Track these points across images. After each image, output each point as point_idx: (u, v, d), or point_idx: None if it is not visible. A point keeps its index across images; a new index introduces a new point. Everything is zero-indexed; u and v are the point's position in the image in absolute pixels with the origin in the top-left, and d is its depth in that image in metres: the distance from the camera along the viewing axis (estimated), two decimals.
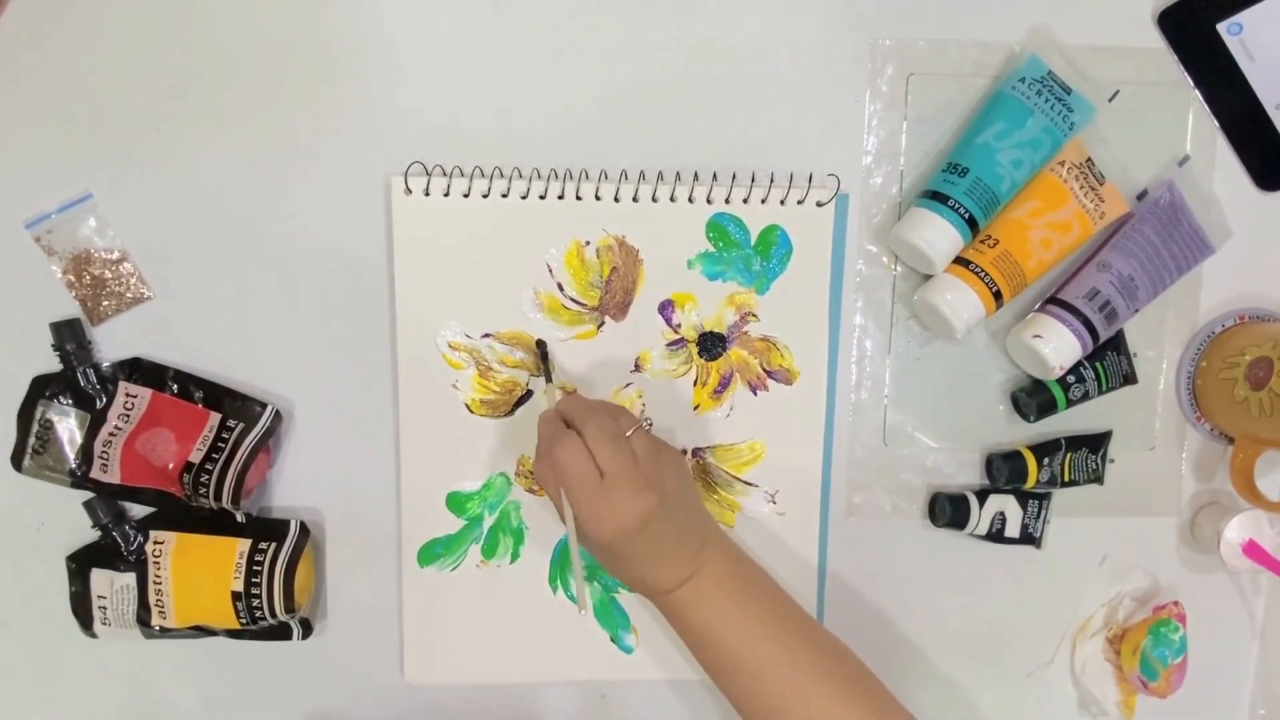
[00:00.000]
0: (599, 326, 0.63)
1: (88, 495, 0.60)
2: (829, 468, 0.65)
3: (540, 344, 0.62)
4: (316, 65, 0.60)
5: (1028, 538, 0.66)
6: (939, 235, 0.60)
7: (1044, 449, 0.65)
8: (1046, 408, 0.64)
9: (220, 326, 0.61)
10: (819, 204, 0.63)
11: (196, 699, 0.64)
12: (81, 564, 0.60)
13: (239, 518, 0.60)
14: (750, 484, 0.65)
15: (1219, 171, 0.66)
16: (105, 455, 0.58)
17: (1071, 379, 0.64)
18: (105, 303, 0.60)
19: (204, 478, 0.58)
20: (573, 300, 0.62)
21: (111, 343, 0.61)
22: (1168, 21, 0.64)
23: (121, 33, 0.59)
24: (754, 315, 0.63)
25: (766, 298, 0.63)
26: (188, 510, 0.60)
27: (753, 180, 0.62)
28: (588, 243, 0.62)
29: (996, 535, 0.66)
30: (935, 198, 0.60)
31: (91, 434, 0.58)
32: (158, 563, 0.59)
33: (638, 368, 0.63)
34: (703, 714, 0.67)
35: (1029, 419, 0.65)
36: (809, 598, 0.66)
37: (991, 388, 0.66)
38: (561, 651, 0.65)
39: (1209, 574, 0.70)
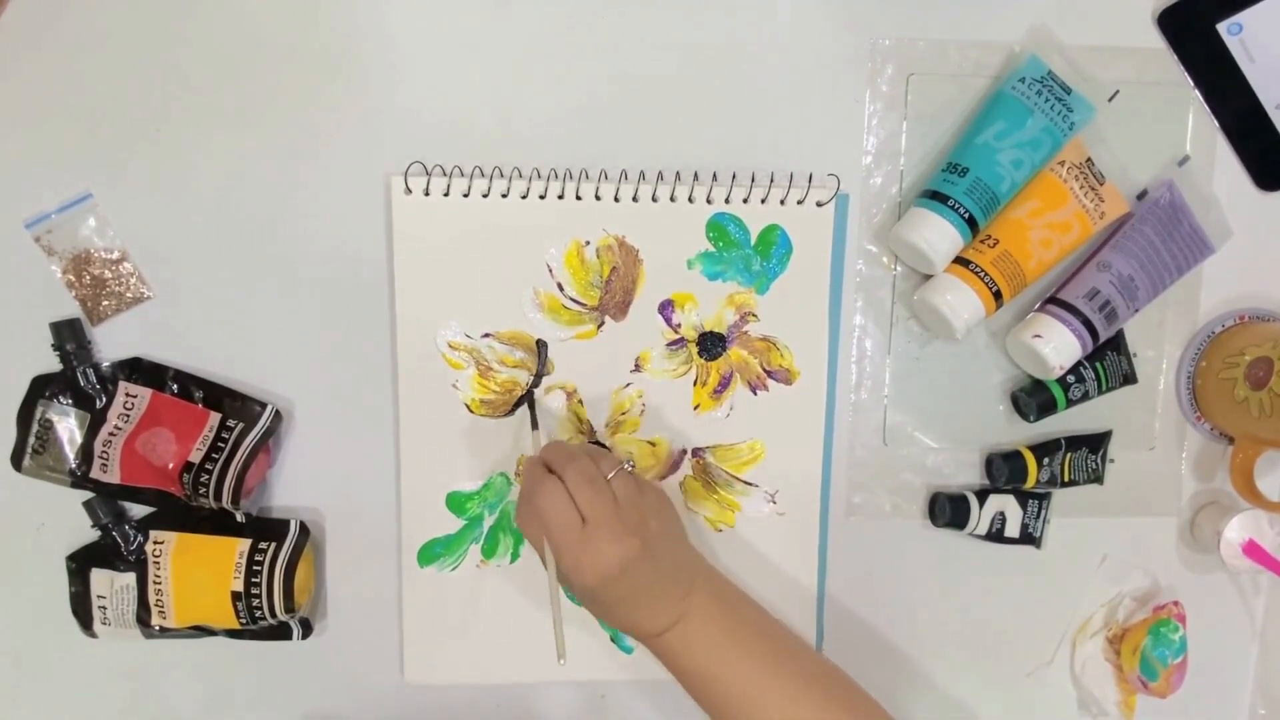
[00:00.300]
0: (599, 326, 0.63)
1: (88, 495, 0.60)
2: (829, 468, 0.65)
3: (528, 393, 0.62)
4: (316, 66, 0.60)
5: (1028, 538, 0.66)
6: (939, 235, 0.60)
7: (1044, 449, 0.65)
8: (1046, 408, 0.64)
9: (220, 326, 0.61)
10: (819, 204, 0.63)
11: (196, 699, 0.64)
12: (81, 564, 0.60)
13: (239, 518, 0.60)
14: (750, 484, 0.65)
15: (1219, 171, 0.66)
16: (105, 455, 0.58)
17: (1071, 379, 0.64)
18: (105, 303, 0.60)
19: (204, 477, 0.58)
20: (573, 300, 0.62)
21: (111, 343, 0.61)
22: (1168, 21, 0.64)
23: (121, 33, 0.59)
24: (754, 315, 0.63)
25: (766, 298, 0.63)
26: (188, 510, 0.60)
27: (753, 180, 0.62)
28: (588, 243, 0.62)
29: (996, 535, 0.66)
30: (935, 198, 0.61)
31: (91, 434, 0.58)
32: (158, 563, 0.59)
33: (638, 368, 0.63)
34: (703, 714, 0.67)
35: (1029, 419, 0.65)
36: (808, 598, 0.66)
37: (991, 388, 0.66)
38: None
39: (1209, 574, 0.70)
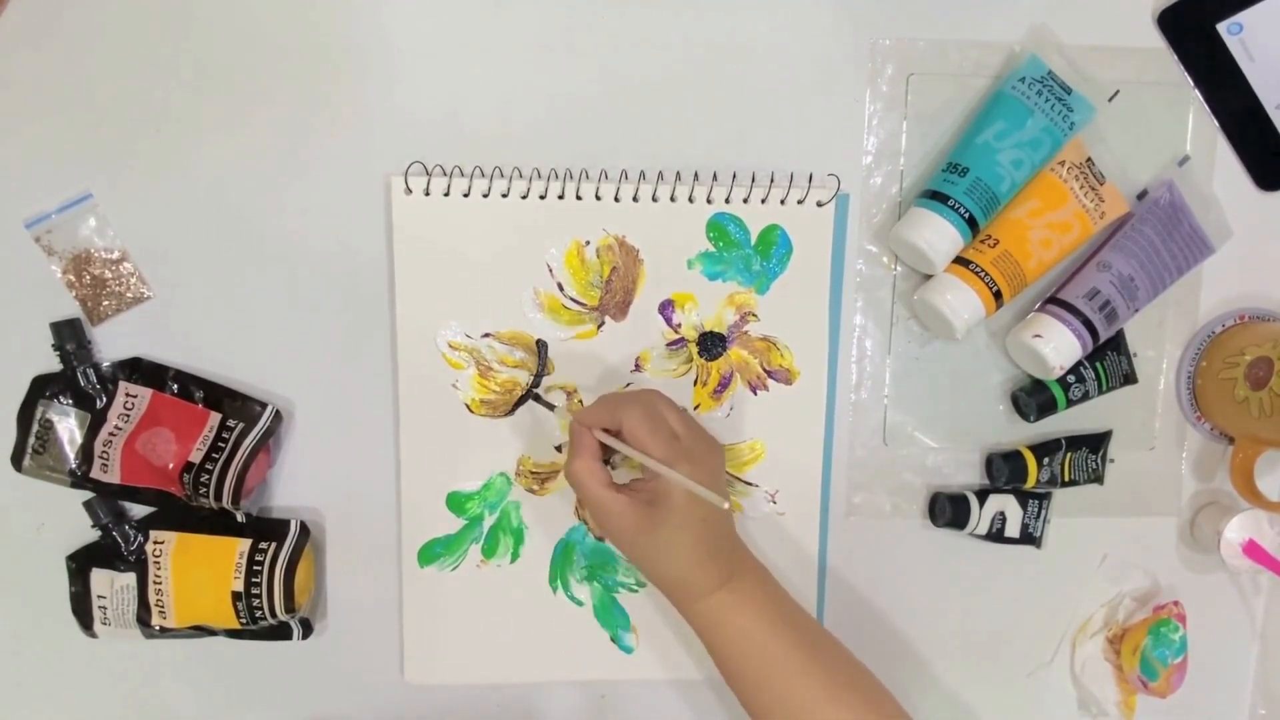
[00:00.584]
0: (599, 326, 0.63)
1: (88, 495, 0.60)
2: (829, 468, 0.65)
3: (529, 392, 0.62)
4: (316, 65, 0.60)
5: (1028, 538, 0.66)
6: (939, 235, 0.60)
7: (1044, 449, 0.65)
8: (1046, 407, 0.64)
9: (220, 326, 0.61)
10: (819, 204, 0.63)
11: (196, 699, 0.64)
12: (81, 564, 0.60)
13: (239, 518, 0.60)
14: (750, 484, 0.65)
15: (1219, 171, 0.66)
16: (105, 455, 0.58)
17: (1071, 379, 0.64)
18: (105, 303, 0.60)
19: (204, 477, 0.58)
20: (573, 300, 0.62)
21: (111, 343, 0.61)
22: (1168, 21, 0.64)
23: (121, 33, 0.59)
24: (754, 315, 0.64)
25: (766, 297, 0.63)
26: (188, 510, 0.60)
27: (753, 180, 0.62)
28: (588, 242, 0.62)
29: (996, 535, 0.66)
30: (935, 197, 0.61)
31: (91, 434, 0.58)
32: (158, 563, 0.59)
33: (638, 367, 0.63)
34: (703, 714, 0.67)
35: (1029, 419, 0.65)
36: (809, 598, 0.66)
37: (991, 388, 0.66)
38: (561, 651, 0.65)
39: (1209, 574, 0.70)
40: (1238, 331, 0.66)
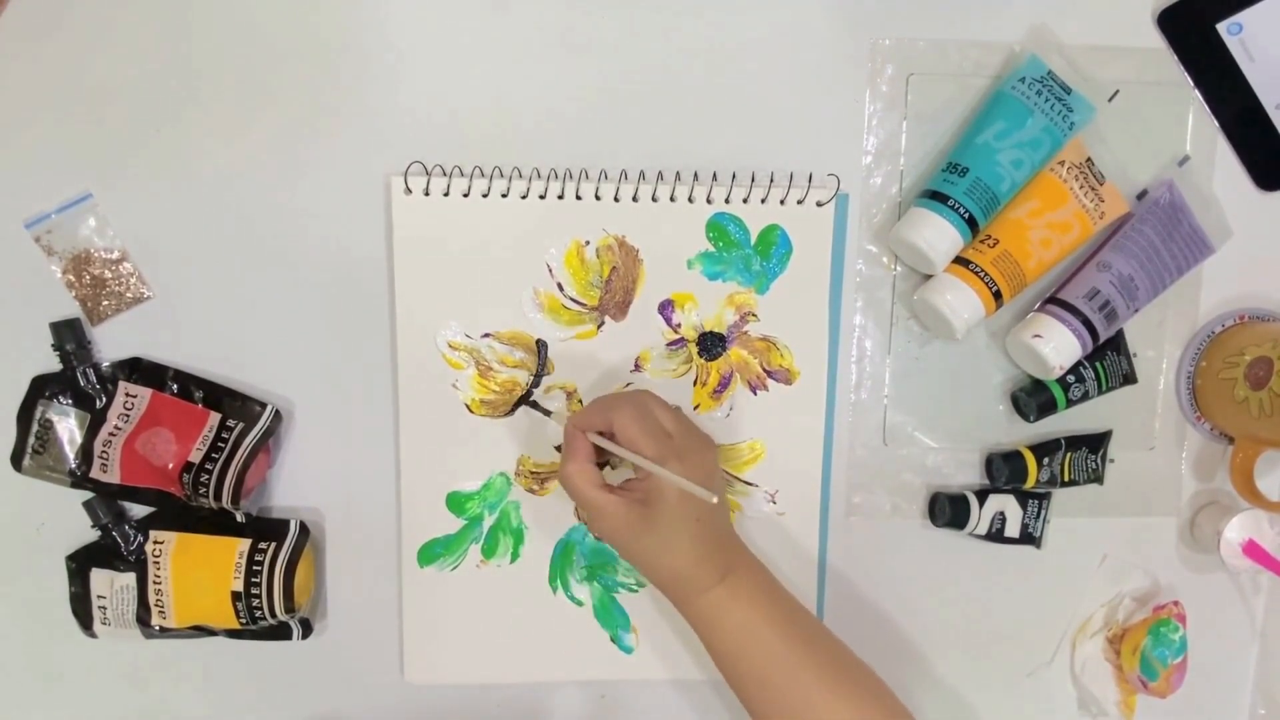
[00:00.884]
0: (599, 326, 0.63)
1: (88, 495, 0.60)
2: (829, 468, 0.65)
3: (528, 393, 0.62)
4: (316, 65, 0.60)
5: (1028, 538, 0.66)
6: (939, 235, 0.60)
7: (1044, 449, 0.65)
8: (1046, 408, 0.64)
9: (220, 326, 0.61)
10: (819, 204, 0.63)
11: (196, 699, 0.64)
12: (81, 564, 0.60)
13: (239, 518, 0.60)
14: (750, 484, 0.65)
15: (1219, 171, 0.66)
16: (105, 455, 0.58)
17: (1071, 379, 0.64)
18: (105, 303, 0.60)
19: (204, 477, 0.58)
20: (573, 300, 0.62)
21: (111, 343, 0.61)
22: (1168, 21, 0.64)
23: (121, 33, 0.59)
24: (754, 315, 0.64)
25: (766, 297, 0.63)
26: (188, 510, 0.60)
27: (753, 180, 0.62)
28: (588, 242, 0.62)
29: (996, 535, 0.66)
30: (935, 197, 0.61)
31: (91, 434, 0.58)
32: (157, 563, 0.59)
33: (638, 367, 0.63)
34: (703, 714, 0.67)
35: (1029, 419, 0.65)
36: (809, 597, 0.66)
37: (991, 388, 0.66)
38: (561, 651, 0.65)
39: (1209, 574, 0.70)
40: (1238, 331, 0.66)
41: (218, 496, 0.58)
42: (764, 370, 0.64)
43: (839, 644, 0.58)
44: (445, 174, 0.60)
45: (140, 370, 0.60)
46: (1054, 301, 0.63)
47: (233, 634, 0.61)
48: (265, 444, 0.60)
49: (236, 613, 0.59)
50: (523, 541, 0.64)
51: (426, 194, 0.60)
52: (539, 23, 0.61)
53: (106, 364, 0.59)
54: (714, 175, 0.62)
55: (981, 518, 0.65)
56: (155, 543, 0.59)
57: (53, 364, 0.59)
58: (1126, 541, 0.69)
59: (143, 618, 0.59)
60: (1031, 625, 0.69)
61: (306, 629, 0.62)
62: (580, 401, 0.63)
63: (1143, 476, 0.68)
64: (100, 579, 0.59)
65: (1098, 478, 0.67)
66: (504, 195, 0.61)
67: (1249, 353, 0.64)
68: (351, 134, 0.60)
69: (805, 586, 0.65)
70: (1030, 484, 0.65)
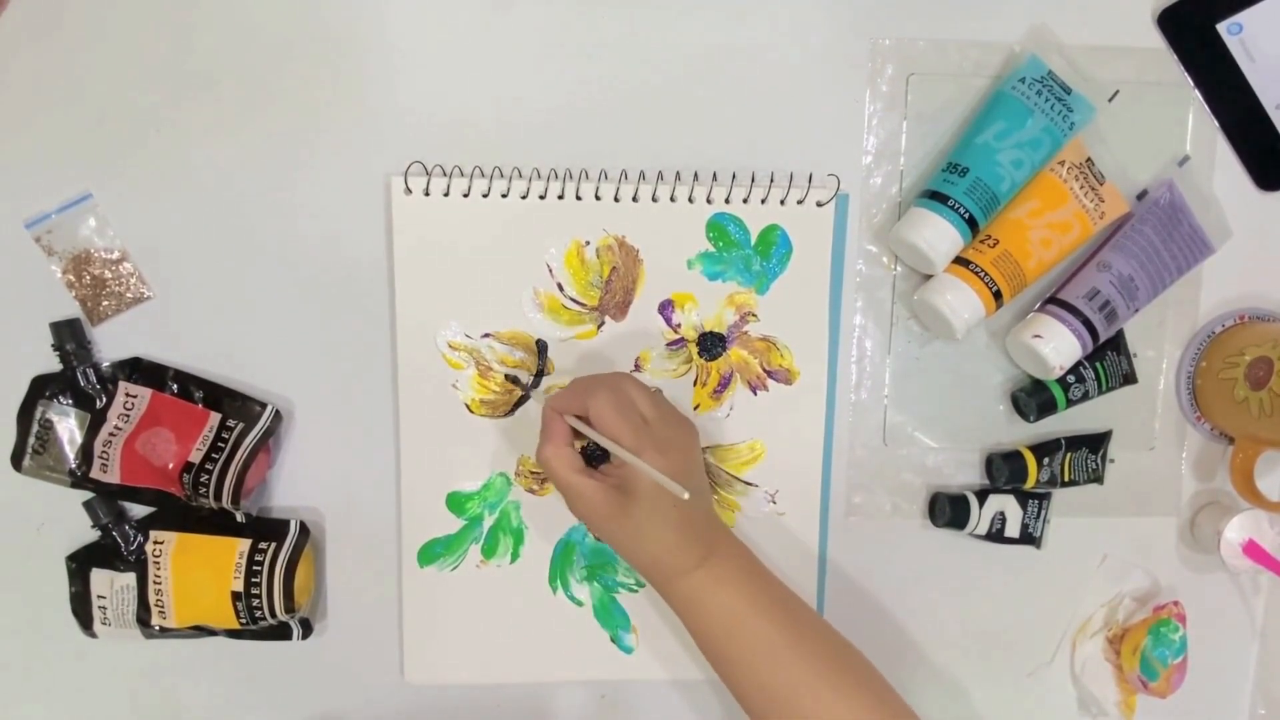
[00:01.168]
0: (599, 326, 0.63)
1: (88, 495, 0.60)
2: (829, 468, 0.65)
3: (525, 396, 0.62)
4: (316, 65, 0.60)
5: (1028, 538, 0.66)
6: (939, 235, 0.60)
7: (1044, 449, 0.65)
8: (1046, 408, 0.64)
9: (220, 326, 0.61)
10: (819, 204, 0.63)
11: (196, 699, 0.64)
12: (81, 564, 0.60)
13: (239, 518, 0.60)
14: (750, 484, 0.65)
15: (1219, 171, 0.66)
16: (105, 455, 0.58)
17: (1071, 379, 0.64)
18: (105, 303, 0.60)
19: (204, 477, 0.58)
20: (573, 300, 0.62)
21: (111, 343, 0.61)
22: (1168, 21, 0.64)
23: (121, 33, 0.59)
24: (754, 315, 0.64)
25: (766, 298, 0.63)
26: (188, 510, 0.60)
27: (753, 180, 0.62)
28: (588, 243, 0.62)
29: (996, 535, 0.66)
30: (935, 198, 0.61)
31: (91, 434, 0.58)
32: (158, 563, 0.59)
33: (638, 368, 0.63)
34: (703, 714, 0.67)
35: (1029, 419, 0.65)
36: (809, 597, 0.66)
37: (991, 388, 0.66)
38: (561, 651, 0.65)
39: (1209, 574, 0.70)
40: (1238, 331, 0.66)
41: (218, 496, 0.58)
42: (764, 370, 0.64)
43: (825, 626, 0.57)
44: (445, 174, 0.60)
45: (140, 370, 0.60)
46: (1054, 301, 0.63)
47: (233, 634, 0.61)
48: (265, 444, 0.60)
49: (236, 613, 0.59)
50: (523, 541, 0.64)
51: (426, 194, 0.60)
52: (539, 23, 0.61)
53: (106, 364, 0.59)
54: (714, 175, 0.62)
55: (981, 518, 0.65)
56: (155, 543, 0.59)
57: (53, 364, 0.59)
58: (1126, 541, 0.69)
59: (143, 618, 0.59)
60: (1031, 625, 0.69)
61: (306, 629, 0.62)
62: None
63: (1143, 476, 0.68)
64: (100, 579, 0.59)
65: (1098, 478, 0.67)
66: (504, 195, 0.61)
67: (1249, 353, 0.64)
68: (351, 134, 0.60)
69: (805, 586, 0.65)
70: (1030, 484, 0.65)
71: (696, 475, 0.57)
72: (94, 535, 0.60)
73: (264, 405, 0.60)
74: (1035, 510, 0.66)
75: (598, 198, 0.61)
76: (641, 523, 0.54)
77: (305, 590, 0.61)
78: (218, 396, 0.60)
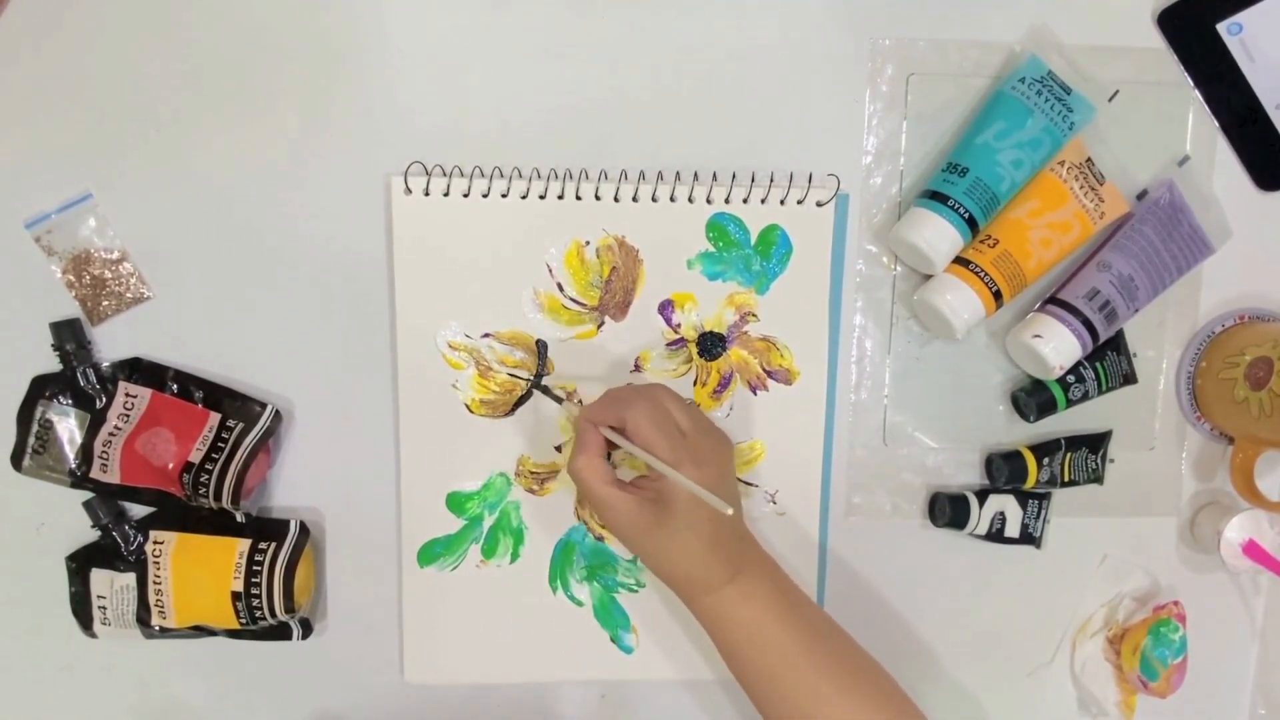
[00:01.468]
0: (599, 326, 0.63)
1: (88, 495, 0.60)
2: (829, 467, 0.65)
3: (529, 391, 0.62)
4: (316, 65, 0.60)
5: (1028, 538, 0.66)
6: (939, 235, 0.60)
7: (1044, 449, 0.65)
8: (1046, 408, 0.64)
9: (220, 326, 0.61)
10: (819, 204, 0.63)
11: (196, 699, 0.64)
12: (81, 564, 0.60)
13: (239, 518, 0.60)
14: (750, 484, 0.65)
15: (1219, 171, 0.66)
16: (105, 455, 0.58)
17: (1071, 379, 0.64)
18: (105, 303, 0.60)
19: (204, 477, 0.58)
20: (573, 300, 0.62)
21: (111, 343, 0.61)
22: (1168, 21, 0.64)
23: (121, 33, 0.59)
24: (754, 315, 0.64)
25: (766, 298, 0.63)
26: (188, 510, 0.60)
27: (753, 180, 0.62)
28: (588, 243, 0.62)
29: (996, 535, 0.66)
30: (935, 198, 0.61)
31: (91, 434, 0.58)
32: (158, 563, 0.59)
33: (638, 368, 0.63)
34: (704, 713, 0.67)
35: (1029, 419, 0.65)
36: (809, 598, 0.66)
37: (991, 388, 0.66)
38: (561, 651, 0.65)
39: (1209, 574, 0.70)
40: (1238, 331, 0.66)
41: (218, 496, 0.58)
42: (764, 370, 0.64)
43: (850, 642, 0.57)
44: (445, 174, 0.60)
45: (140, 370, 0.60)
46: (1054, 301, 0.63)
47: (233, 634, 0.61)
48: (265, 444, 0.60)
49: (236, 613, 0.59)
50: (523, 541, 0.64)
51: (426, 194, 0.60)
52: (539, 23, 0.61)
53: (106, 364, 0.59)
54: (714, 175, 0.62)
55: (981, 518, 0.65)
56: (155, 543, 0.59)
57: (53, 364, 0.59)
58: (1126, 541, 0.69)
59: (143, 618, 0.59)
60: (1031, 625, 0.69)
61: (306, 629, 0.62)
62: (581, 402, 0.63)
63: (1143, 476, 0.68)
64: (100, 579, 0.59)
65: (1098, 478, 0.67)
66: (504, 195, 0.61)
67: (1249, 353, 0.64)
68: (351, 134, 0.60)
69: (805, 586, 0.65)
70: (1030, 484, 0.65)
71: (730, 488, 0.57)
72: (94, 535, 0.60)
73: (264, 405, 0.60)
74: (1035, 510, 0.66)
75: (598, 198, 0.61)
76: (675, 537, 0.54)
77: (305, 590, 0.61)
78: (218, 396, 0.60)
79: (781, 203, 0.62)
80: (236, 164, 0.60)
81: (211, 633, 0.60)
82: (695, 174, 0.62)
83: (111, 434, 0.58)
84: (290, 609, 0.59)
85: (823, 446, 0.65)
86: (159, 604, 0.59)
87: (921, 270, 0.64)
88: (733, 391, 0.64)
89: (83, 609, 0.60)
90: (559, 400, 0.62)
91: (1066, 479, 0.65)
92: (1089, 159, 0.62)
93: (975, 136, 0.61)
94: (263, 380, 0.62)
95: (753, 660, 0.55)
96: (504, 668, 0.65)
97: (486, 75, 0.61)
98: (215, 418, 0.60)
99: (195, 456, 0.58)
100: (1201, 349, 0.67)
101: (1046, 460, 0.65)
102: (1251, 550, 0.66)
